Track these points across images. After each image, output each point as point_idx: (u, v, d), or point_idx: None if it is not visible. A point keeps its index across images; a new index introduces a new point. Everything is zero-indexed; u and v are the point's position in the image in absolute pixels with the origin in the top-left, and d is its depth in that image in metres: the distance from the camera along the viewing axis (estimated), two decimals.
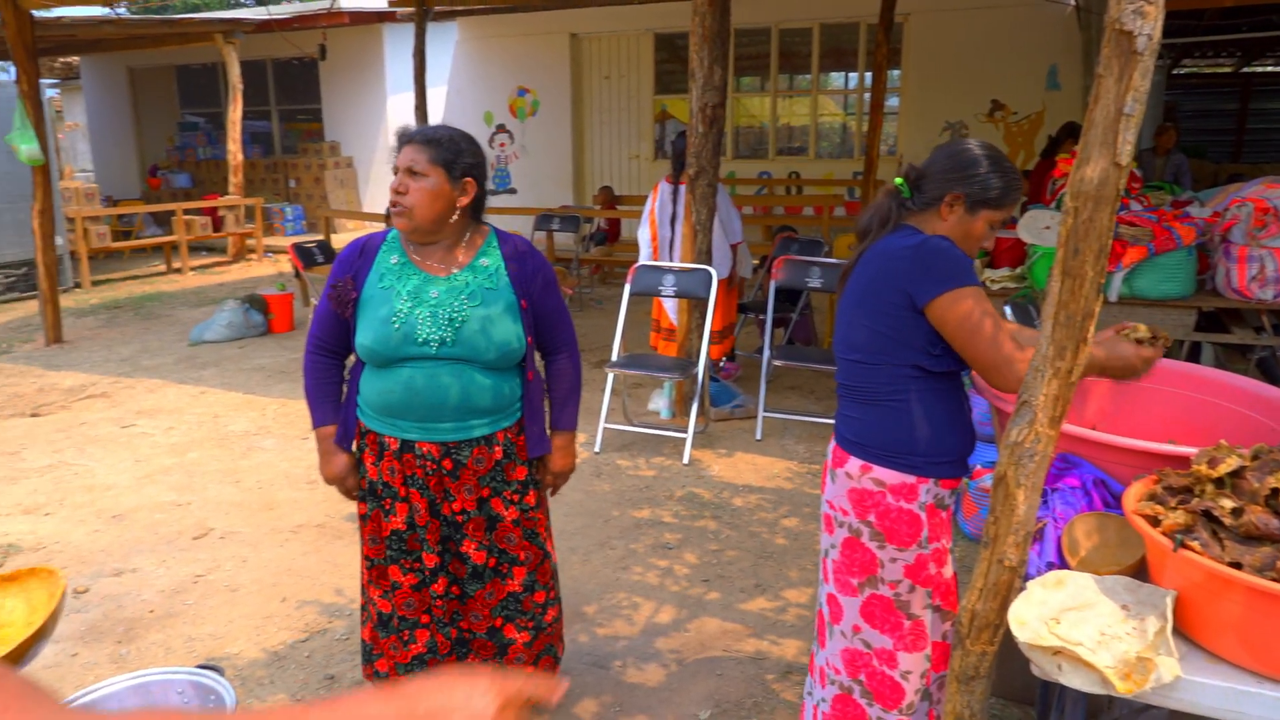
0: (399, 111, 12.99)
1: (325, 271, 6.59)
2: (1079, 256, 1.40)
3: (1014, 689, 2.54)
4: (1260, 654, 1.36)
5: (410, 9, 8.63)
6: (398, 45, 12.73)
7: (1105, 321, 1.81)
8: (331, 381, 2.34)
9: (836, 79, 12.21)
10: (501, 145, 13.02)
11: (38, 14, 7.08)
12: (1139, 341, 1.89)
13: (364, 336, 2.16)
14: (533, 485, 2.35)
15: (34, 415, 5.40)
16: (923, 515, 1.92)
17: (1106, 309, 3.90)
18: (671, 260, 5.21)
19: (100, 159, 15.83)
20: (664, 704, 2.65)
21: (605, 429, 4.74)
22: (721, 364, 5.75)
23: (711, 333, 4.93)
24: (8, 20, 6.61)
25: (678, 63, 12.02)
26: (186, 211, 10.88)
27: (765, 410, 4.97)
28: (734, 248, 5.43)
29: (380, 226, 6.19)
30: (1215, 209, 4.19)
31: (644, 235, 5.52)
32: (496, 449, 2.23)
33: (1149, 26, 1.29)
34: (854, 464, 1.97)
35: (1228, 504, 1.43)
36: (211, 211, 11.46)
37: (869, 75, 9.32)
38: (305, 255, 6.84)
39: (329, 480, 2.33)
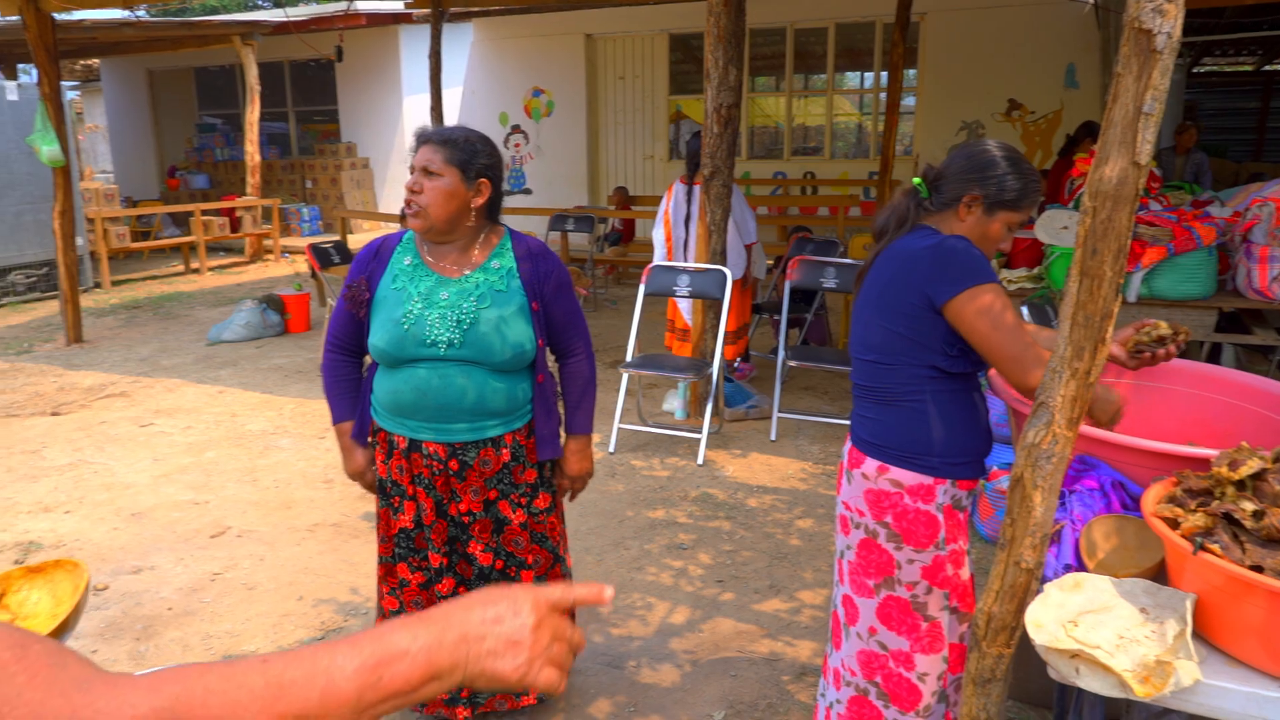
0: (415, 112, 13.05)
1: (342, 272, 6.63)
2: (1097, 257, 1.39)
3: (1031, 692, 2.52)
4: None
5: (426, 10, 8.68)
6: (414, 46, 12.79)
7: (1123, 323, 1.80)
8: (349, 379, 2.36)
9: (852, 79, 12.18)
10: (517, 146, 13.05)
11: (59, 17, 7.16)
12: (1159, 339, 1.87)
13: (376, 337, 2.18)
14: (544, 488, 2.34)
15: (54, 414, 5.45)
16: (940, 516, 1.91)
17: (1125, 310, 3.87)
18: (686, 261, 5.21)
19: (120, 160, 16.00)
20: (678, 704, 2.65)
21: (620, 429, 4.74)
22: (736, 364, 5.75)
23: (726, 333, 4.93)
24: (29, 23, 6.68)
25: (693, 63, 12.02)
26: (205, 212, 10.97)
27: (780, 411, 4.96)
28: (749, 248, 5.42)
29: (396, 227, 6.23)
30: (1236, 208, 4.15)
31: (659, 236, 5.52)
32: (504, 451, 2.23)
33: (1168, 25, 1.28)
34: (870, 465, 1.96)
35: (1249, 506, 1.41)
36: (229, 212, 11.55)
37: (884, 75, 9.30)
38: (322, 256, 6.88)
39: (351, 475, 2.36)
